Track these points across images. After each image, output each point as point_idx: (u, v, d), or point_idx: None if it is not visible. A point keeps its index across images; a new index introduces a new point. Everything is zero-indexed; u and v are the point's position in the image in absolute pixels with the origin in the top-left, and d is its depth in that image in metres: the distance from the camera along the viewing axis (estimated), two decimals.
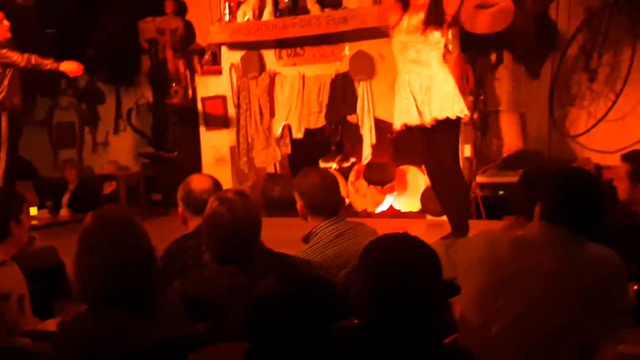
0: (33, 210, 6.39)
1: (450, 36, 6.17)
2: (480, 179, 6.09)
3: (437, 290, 1.76)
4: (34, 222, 5.53)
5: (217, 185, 3.28)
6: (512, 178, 5.62)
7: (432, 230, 5.44)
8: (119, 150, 8.57)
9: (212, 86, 7.13)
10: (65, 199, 7.66)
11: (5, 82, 5.84)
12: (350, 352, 1.72)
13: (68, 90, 8.89)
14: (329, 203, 3.05)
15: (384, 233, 1.83)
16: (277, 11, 6.66)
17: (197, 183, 3.26)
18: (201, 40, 7.18)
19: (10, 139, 5.86)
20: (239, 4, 6.82)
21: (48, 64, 5.87)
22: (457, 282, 2.34)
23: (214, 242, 2.50)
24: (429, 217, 6.21)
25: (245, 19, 6.68)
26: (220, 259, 2.49)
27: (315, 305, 1.81)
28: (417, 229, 5.67)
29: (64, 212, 7.38)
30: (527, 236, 2.32)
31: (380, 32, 6.32)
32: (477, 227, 5.57)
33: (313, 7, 6.48)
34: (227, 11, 6.73)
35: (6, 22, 5.94)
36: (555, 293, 2.18)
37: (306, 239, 3.07)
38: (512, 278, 2.22)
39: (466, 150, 6.19)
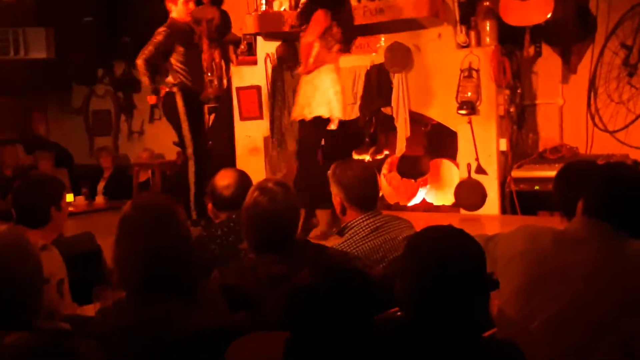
0: (69, 197, 6.47)
1: (487, 28, 6.13)
2: (515, 173, 6.03)
3: (481, 283, 1.74)
4: (70, 209, 5.61)
5: (241, 179, 3.28)
6: (548, 173, 5.57)
7: (466, 225, 5.37)
8: (154, 138, 8.63)
9: (247, 76, 7.15)
10: (101, 186, 7.75)
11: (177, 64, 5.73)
12: (393, 343, 1.71)
13: (104, 79, 8.98)
14: (368, 196, 3.03)
15: (428, 226, 1.82)
16: None
17: (220, 179, 3.29)
18: (237, 30, 7.18)
19: (189, 115, 5.73)
20: None
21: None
22: (496, 276, 2.32)
23: (254, 231, 2.51)
24: (462, 211, 6.17)
25: (282, 9, 6.68)
26: (258, 248, 2.50)
27: (352, 296, 1.81)
28: (450, 223, 5.63)
29: (99, 200, 7.47)
30: (569, 232, 2.28)
31: (417, 24, 6.29)
32: (512, 222, 5.54)
33: None
34: (263, 1, 6.73)
35: (192, 6, 5.81)
36: (597, 290, 2.14)
37: (341, 232, 3.06)
38: (553, 274, 2.18)
39: (502, 144, 6.14)
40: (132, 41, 8.19)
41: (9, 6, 7.73)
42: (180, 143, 5.78)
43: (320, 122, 5.28)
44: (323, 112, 5.19)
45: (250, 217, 2.51)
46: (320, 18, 5.17)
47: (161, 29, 5.68)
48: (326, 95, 5.20)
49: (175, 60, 5.69)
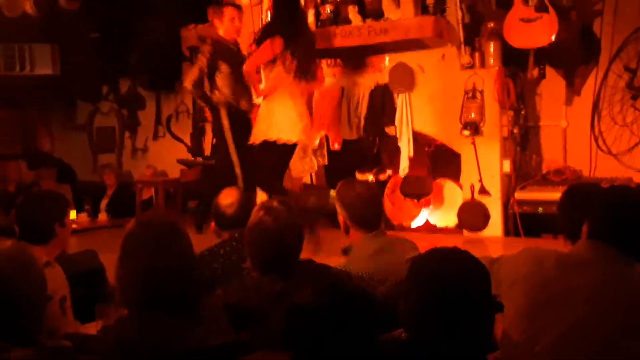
0: (72, 214, 6.46)
1: (491, 49, 6.15)
2: (519, 195, 6.01)
3: (486, 305, 1.74)
4: (73, 226, 5.60)
5: (243, 199, 3.30)
6: (551, 195, 5.56)
7: (469, 246, 5.34)
8: (158, 156, 8.64)
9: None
10: (104, 203, 7.74)
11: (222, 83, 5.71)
12: None
13: (109, 96, 9.02)
14: (372, 216, 3.03)
15: (432, 247, 1.81)
16: (319, 21, 6.67)
17: (222, 198, 3.31)
18: (242, 49, 7.21)
19: (234, 133, 5.71)
20: None
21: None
22: (500, 299, 2.31)
23: (258, 250, 2.51)
24: (465, 232, 6.16)
25: None
26: (262, 267, 2.50)
27: (355, 316, 1.80)
28: (453, 245, 5.61)
29: (102, 217, 7.46)
30: (574, 255, 2.28)
31: (421, 44, 6.32)
32: (515, 244, 5.53)
33: (355, 18, 6.48)
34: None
35: (238, 23, 5.76)
36: (600, 314, 2.13)
37: (346, 252, 3.06)
38: (557, 297, 2.18)
39: (505, 166, 6.13)
40: (138, 58, 8.25)
41: (15, 22, 7.77)
42: (227, 161, 5.72)
43: (272, 146, 5.39)
44: (271, 136, 5.32)
45: (255, 236, 2.51)
46: (265, 49, 5.37)
47: (206, 48, 5.67)
48: (273, 118, 5.36)
49: (219, 79, 5.69)
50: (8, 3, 7.53)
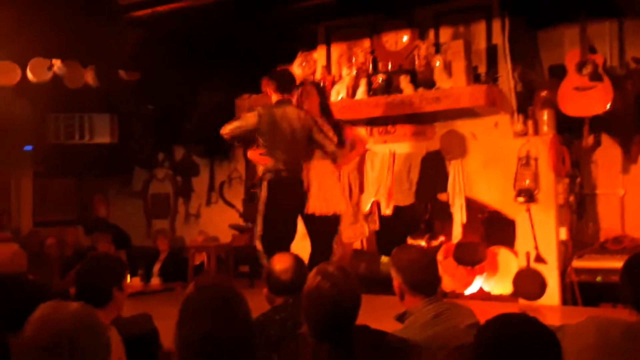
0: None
1: (545, 117, 6.12)
2: (576, 263, 5.88)
3: None
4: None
5: (298, 264, 3.29)
6: (610, 264, 5.43)
7: None
8: (210, 221, 8.74)
9: None
10: (156, 268, 7.82)
11: None
12: None
13: (165, 163, 9.22)
14: (429, 281, 2.99)
15: (500, 314, 1.77)
16: (371, 90, 6.76)
17: (277, 263, 3.30)
18: None
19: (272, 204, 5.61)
20: (333, 83, 6.97)
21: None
22: None
23: (315, 316, 2.48)
24: (521, 301, 6.02)
25: (339, 97, 6.81)
26: (319, 333, 2.47)
27: None
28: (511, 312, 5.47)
29: (154, 281, 7.54)
30: None
31: (473, 112, 6.34)
32: (573, 313, 5.39)
33: (406, 87, 6.56)
34: None
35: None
36: None
37: (401, 319, 3.01)
38: None
39: (562, 233, 6.02)
40: (194, 127, 8.44)
41: (76, 93, 8.05)
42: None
43: None
44: None
45: (312, 302, 2.49)
46: None
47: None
48: None
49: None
50: (70, 75, 7.82)
